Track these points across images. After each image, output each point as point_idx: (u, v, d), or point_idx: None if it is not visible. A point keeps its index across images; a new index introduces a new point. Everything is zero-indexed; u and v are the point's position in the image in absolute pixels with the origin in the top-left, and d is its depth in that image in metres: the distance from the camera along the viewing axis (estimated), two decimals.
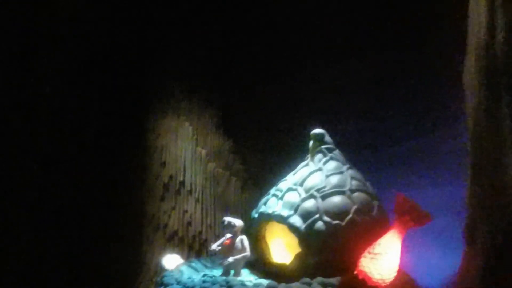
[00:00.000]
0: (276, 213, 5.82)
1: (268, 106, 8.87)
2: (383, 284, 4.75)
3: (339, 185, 5.75)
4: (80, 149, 8.60)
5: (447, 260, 5.96)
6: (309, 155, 6.36)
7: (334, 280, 4.93)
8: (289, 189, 5.95)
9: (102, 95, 8.85)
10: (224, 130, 8.96)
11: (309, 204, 5.62)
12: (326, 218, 5.45)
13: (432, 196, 6.99)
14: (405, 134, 8.07)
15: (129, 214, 8.24)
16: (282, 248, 6.12)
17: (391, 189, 5.13)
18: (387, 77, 8.11)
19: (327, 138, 6.36)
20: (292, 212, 5.67)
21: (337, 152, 6.30)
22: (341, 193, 5.64)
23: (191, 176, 8.39)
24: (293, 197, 5.82)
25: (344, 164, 6.10)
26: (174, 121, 8.71)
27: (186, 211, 8.21)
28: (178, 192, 8.33)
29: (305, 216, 5.56)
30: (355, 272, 4.85)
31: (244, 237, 5.93)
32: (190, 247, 8.04)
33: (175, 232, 8.16)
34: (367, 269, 4.78)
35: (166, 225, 8.18)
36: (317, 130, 6.35)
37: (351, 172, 6.01)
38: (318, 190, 5.67)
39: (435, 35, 7.54)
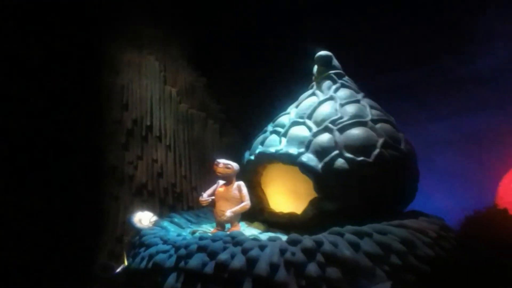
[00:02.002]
0: (281, 151, 4.89)
1: (249, 30, 7.48)
2: None
3: (358, 115, 4.91)
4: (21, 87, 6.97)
5: None
6: (313, 83, 5.47)
7: (367, 228, 3.90)
8: (294, 123, 5.08)
9: (45, 20, 7.19)
10: (197, 64, 7.94)
11: (324, 138, 4.75)
12: (347, 154, 4.57)
13: None
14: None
15: (86, 166, 7.10)
16: (285, 195, 5.21)
17: None
18: None
19: (335, 61, 5.47)
20: (302, 149, 4.75)
21: (347, 78, 5.44)
22: (363, 124, 4.81)
23: (160, 119, 7.36)
24: (301, 132, 4.95)
25: (357, 92, 5.27)
26: (136, 55, 7.58)
27: (156, 161, 7.20)
28: (144, 139, 7.26)
29: (321, 153, 4.67)
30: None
31: (242, 183, 4.90)
32: (162, 202, 7.09)
33: (143, 185, 7.10)
34: None
35: (132, 177, 7.14)
36: (323, 52, 5.43)
37: (367, 100, 5.17)
38: (333, 122, 4.82)
39: None
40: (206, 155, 7.49)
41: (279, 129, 5.20)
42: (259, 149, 5.21)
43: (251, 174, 5.26)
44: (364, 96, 5.29)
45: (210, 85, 7.94)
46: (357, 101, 5.13)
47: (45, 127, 7.16)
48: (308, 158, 4.66)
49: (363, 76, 5.75)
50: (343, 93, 5.21)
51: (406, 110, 6.89)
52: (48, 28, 7.54)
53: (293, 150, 4.81)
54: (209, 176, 7.34)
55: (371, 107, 5.07)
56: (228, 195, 4.80)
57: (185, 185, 7.29)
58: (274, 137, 5.18)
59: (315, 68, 5.50)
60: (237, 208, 4.72)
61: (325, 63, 5.38)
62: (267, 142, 5.20)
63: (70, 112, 7.37)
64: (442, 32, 6.85)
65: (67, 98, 7.34)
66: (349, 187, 4.49)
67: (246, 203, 4.79)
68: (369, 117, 4.88)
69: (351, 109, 4.99)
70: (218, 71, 7.98)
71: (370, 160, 4.56)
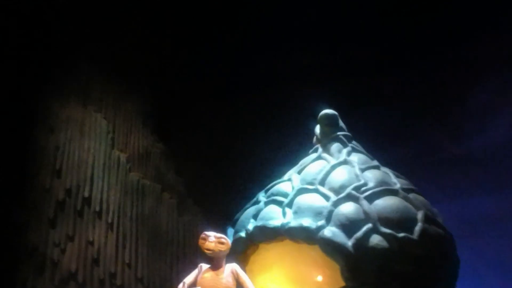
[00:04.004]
0: (290, 225, 3.98)
1: (219, 91, 6.97)
2: None
3: (385, 181, 4.21)
4: None
5: None
6: (317, 145, 4.80)
7: None
8: (302, 190, 4.27)
9: None
10: (153, 127, 7.13)
11: (349, 208, 3.95)
12: (384, 229, 3.74)
13: None
14: None
15: None
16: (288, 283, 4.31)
17: None
18: None
19: (341, 122, 4.90)
20: (322, 221, 3.89)
21: (355, 142, 4.85)
22: (393, 192, 4.10)
23: (102, 190, 6.41)
24: (313, 201, 4.13)
25: (371, 159, 4.66)
26: (78, 110, 6.70)
27: (91, 242, 6.14)
28: (79, 214, 6.21)
29: (348, 226, 3.81)
30: None
31: (236, 266, 3.80)
32: None
33: (72, 275, 5.94)
34: None
35: (56, 264, 5.95)
36: (328, 111, 4.84)
37: (386, 169, 4.53)
38: (357, 189, 4.07)
39: None
40: (159, 237, 6.50)
41: (280, 198, 4.30)
42: (253, 223, 4.26)
43: (238, 258, 4.22)
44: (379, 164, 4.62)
45: (168, 152, 7.07)
46: (377, 167, 4.44)
47: None
48: (333, 233, 3.75)
49: None
50: (357, 157, 4.51)
51: None
52: None
53: (309, 223, 3.89)
54: (160, 263, 6.44)
55: (396, 175, 4.39)
56: (219, 284, 3.62)
57: (129, 276, 6.17)
58: (273, 208, 4.27)
59: (318, 128, 4.86)
60: None
61: (331, 122, 4.76)
62: (263, 214, 4.27)
63: None
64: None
65: None
66: (389, 272, 3.58)
67: None
68: (398, 185, 4.17)
69: (374, 175, 4.24)
70: (179, 136, 7.16)
71: (414, 237, 3.71)
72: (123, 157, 6.70)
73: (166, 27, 7.38)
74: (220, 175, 6.74)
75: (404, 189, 4.12)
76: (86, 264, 6.00)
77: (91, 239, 6.11)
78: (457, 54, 6.55)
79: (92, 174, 6.37)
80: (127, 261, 6.20)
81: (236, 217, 4.66)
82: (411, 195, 4.10)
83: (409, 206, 3.96)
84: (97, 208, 6.23)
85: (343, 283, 3.84)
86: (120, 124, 6.86)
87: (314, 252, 4.04)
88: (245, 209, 4.61)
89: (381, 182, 4.12)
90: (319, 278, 4.42)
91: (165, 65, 7.26)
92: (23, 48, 6.92)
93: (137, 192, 6.59)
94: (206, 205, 6.77)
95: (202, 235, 3.77)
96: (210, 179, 6.97)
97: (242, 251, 4.29)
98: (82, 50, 6.97)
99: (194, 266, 6.50)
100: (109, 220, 6.25)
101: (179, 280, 6.67)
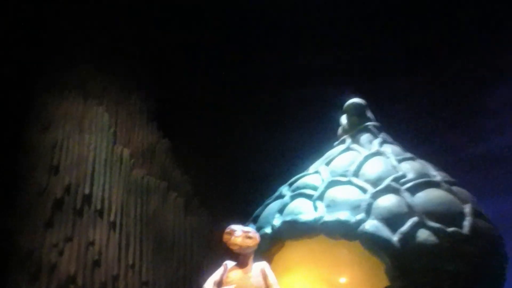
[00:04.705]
0: (324, 219, 3.68)
1: (227, 85, 6.88)
2: None
3: (425, 173, 3.93)
4: None
5: None
6: (345, 136, 4.53)
7: None
8: (333, 183, 3.98)
9: None
10: (159, 122, 6.92)
11: (390, 201, 3.68)
12: (431, 223, 3.47)
13: None
14: None
15: None
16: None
17: None
18: None
19: (369, 112, 4.63)
20: (361, 215, 3.59)
21: (384, 133, 4.55)
22: (436, 185, 3.82)
23: (103, 187, 6.19)
24: (348, 194, 3.86)
25: (404, 150, 4.37)
26: (78, 104, 6.51)
27: (92, 243, 5.93)
28: (78, 213, 5.99)
29: (391, 220, 3.53)
30: None
31: (266, 265, 3.40)
32: None
33: (71, 279, 5.70)
34: None
35: (54, 267, 5.75)
36: (356, 100, 4.60)
37: (422, 160, 4.23)
38: (396, 180, 3.78)
39: None
40: (164, 238, 6.36)
41: (308, 191, 4.02)
42: (280, 218, 3.96)
43: (262, 257, 3.77)
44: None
45: (175, 148, 6.91)
46: (413, 159, 4.15)
47: None
48: (376, 227, 3.48)
49: None
50: (390, 148, 4.23)
51: None
52: None
53: (346, 216, 3.60)
54: (166, 266, 6.24)
55: (434, 167, 4.08)
56: (248, 285, 3.26)
57: (132, 279, 5.99)
58: (301, 202, 3.99)
59: (344, 118, 4.62)
60: None
61: (359, 112, 4.52)
62: (290, 209, 3.99)
63: None
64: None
65: None
66: (440, 271, 3.30)
67: None
68: (439, 177, 3.88)
69: (412, 166, 3.96)
70: (186, 132, 6.93)
71: (464, 232, 3.43)
72: (126, 152, 6.54)
73: (176, 19, 7.17)
74: (230, 173, 6.49)
75: (446, 181, 3.87)
76: (86, 267, 5.82)
77: (91, 239, 5.91)
78: (480, 55, 6.48)
79: (93, 171, 6.17)
80: (130, 263, 6.05)
81: (256, 213, 4.39)
82: (454, 188, 3.85)
83: (454, 199, 3.72)
84: (98, 207, 6.06)
85: (375, 284, 3.61)
86: (123, 118, 6.76)
87: (343, 251, 3.83)
88: (267, 204, 4.34)
89: (421, 174, 3.88)
90: (342, 280, 4.19)
91: (173, 57, 7.13)
92: (18, 39, 6.75)
93: (141, 190, 6.43)
94: (213, 205, 6.57)
95: (227, 230, 3.39)
96: (219, 178, 6.78)
97: (266, 249, 3.94)
98: (83, 41, 6.79)
99: (201, 269, 6.19)
100: (111, 220, 6.08)
101: (185, 284, 6.32)
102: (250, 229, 3.50)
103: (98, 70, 6.74)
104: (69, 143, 6.31)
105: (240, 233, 3.34)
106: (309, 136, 5.07)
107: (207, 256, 6.16)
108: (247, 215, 4.66)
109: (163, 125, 6.93)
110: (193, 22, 7.18)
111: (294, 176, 4.49)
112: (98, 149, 6.35)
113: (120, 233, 6.08)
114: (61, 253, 5.75)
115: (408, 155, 4.22)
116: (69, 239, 5.84)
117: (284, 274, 4.00)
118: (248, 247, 3.34)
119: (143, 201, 6.40)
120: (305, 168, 4.59)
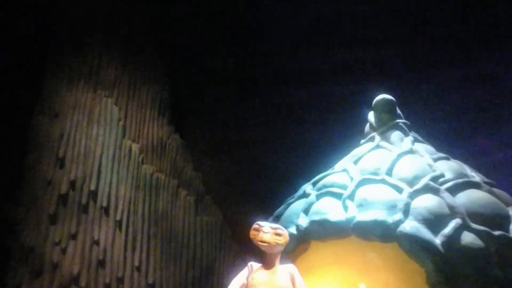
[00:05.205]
0: (358, 220, 3.46)
1: (242, 79, 6.75)
2: None
3: (464, 173, 3.72)
4: None
5: None
6: (374, 133, 4.33)
7: None
8: (365, 181, 3.77)
9: None
10: (171, 116, 6.76)
11: (430, 201, 3.45)
12: (476, 226, 3.23)
13: None
14: None
15: None
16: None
17: None
18: None
19: (397, 109, 4.40)
20: (398, 215, 3.34)
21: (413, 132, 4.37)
22: (476, 186, 3.60)
23: (111, 183, 6.06)
24: (382, 193, 3.62)
25: (436, 150, 4.19)
26: (87, 95, 6.34)
27: (97, 242, 5.83)
28: (84, 210, 5.86)
29: (431, 221, 3.30)
30: None
31: (294, 268, 3.23)
32: None
33: (73, 279, 5.59)
34: None
35: (56, 266, 5.64)
36: (386, 97, 4.36)
37: (457, 161, 4.03)
38: (435, 180, 3.56)
39: None
40: (174, 238, 6.25)
41: (337, 190, 3.82)
42: (306, 218, 3.76)
43: (287, 257, 3.60)
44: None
45: (186, 145, 6.76)
46: (448, 158, 3.95)
47: None
48: (416, 228, 3.21)
49: None
50: (423, 147, 4.05)
51: None
52: None
53: (383, 216, 3.35)
54: (174, 268, 6.12)
55: (470, 168, 3.89)
56: (276, 286, 3.06)
57: (138, 281, 5.85)
58: (329, 201, 3.78)
59: (372, 115, 4.43)
60: None
61: (389, 109, 4.30)
62: (317, 208, 3.77)
63: None
64: None
65: None
66: (488, 277, 3.04)
67: None
68: (477, 178, 3.68)
69: (449, 166, 3.74)
70: (198, 128, 6.83)
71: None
72: (135, 147, 6.42)
73: (190, 11, 7.07)
74: (244, 171, 6.37)
75: (486, 183, 3.66)
76: (90, 267, 5.73)
77: (96, 238, 5.82)
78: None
79: (100, 165, 6.06)
80: (136, 265, 5.94)
81: (277, 212, 4.19)
82: (495, 190, 3.63)
83: (497, 201, 3.49)
84: (104, 204, 5.95)
85: None
86: (133, 112, 6.59)
87: (370, 254, 3.59)
88: (289, 204, 4.14)
89: (460, 174, 3.65)
90: (366, 285, 3.95)
91: (187, 50, 7.01)
92: (29, 26, 6.69)
93: (150, 187, 6.31)
94: (226, 205, 6.47)
95: (255, 226, 3.21)
96: (232, 175, 6.69)
97: (291, 250, 3.73)
98: (94, 31, 6.67)
99: (212, 271, 5.92)
100: (118, 218, 5.97)
101: (195, 287, 6.06)
102: (279, 225, 3.28)
103: (110, 61, 6.55)
104: (76, 134, 6.18)
105: (269, 230, 3.17)
106: (330, 134, 4.84)
107: (218, 257, 5.97)
108: (262, 215, 4.51)
109: (175, 120, 6.78)
110: (208, 14, 7.01)
111: (315, 174, 4.28)
112: (106, 142, 6.22)
113: (126, 232, 5.98)
114: (64, 251, 5.65)
115: (442, 154, 3.99)
116: (73, 237, 5.74)
117: (306, 275, 3.75)
118: (278, 244, 3.15)
119: (151, 199, 6.28)
120: (326, 166, 4.39)
